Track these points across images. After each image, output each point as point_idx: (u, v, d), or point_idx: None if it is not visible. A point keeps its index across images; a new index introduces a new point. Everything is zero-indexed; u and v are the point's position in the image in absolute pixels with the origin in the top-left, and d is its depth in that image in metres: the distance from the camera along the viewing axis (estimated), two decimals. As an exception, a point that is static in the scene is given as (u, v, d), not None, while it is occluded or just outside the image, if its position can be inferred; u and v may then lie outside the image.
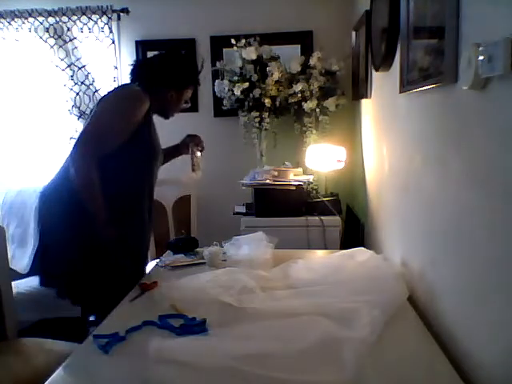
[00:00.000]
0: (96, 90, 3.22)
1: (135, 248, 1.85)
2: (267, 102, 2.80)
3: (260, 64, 2.81)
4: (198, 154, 2.09)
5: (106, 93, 1.91)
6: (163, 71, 1.87)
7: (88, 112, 3.20)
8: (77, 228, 1.70)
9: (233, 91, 2.83)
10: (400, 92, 1.63)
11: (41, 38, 3.17)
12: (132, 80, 1.91)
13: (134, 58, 3.22)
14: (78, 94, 3.20)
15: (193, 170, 2.09)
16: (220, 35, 3.12)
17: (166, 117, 1.99)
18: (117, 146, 1.69)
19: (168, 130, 2.18)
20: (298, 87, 2.76)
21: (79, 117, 3.23)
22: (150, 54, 3.20)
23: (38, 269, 1.90)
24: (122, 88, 1.97)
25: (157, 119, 1.95)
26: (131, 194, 1.80)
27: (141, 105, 1.75)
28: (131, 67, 1.93)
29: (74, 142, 1.69)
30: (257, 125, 2.86)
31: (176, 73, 1.88)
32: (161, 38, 3.19)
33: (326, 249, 2.35)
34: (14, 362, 1.68)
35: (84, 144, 1.65)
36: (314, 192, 2.71)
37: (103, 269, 1.70)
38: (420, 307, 1.41)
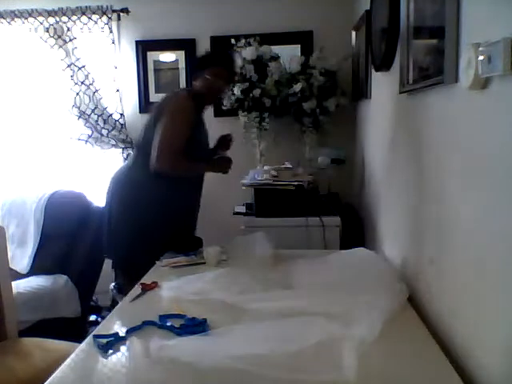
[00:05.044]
0: (96, 90, 3.21)
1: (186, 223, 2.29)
2: (267, 102, 2.80)
3: (260, 64, 2.81)
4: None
5: (165, 98, 2.22)
6: (199, 62, 2.25)
7: (88, 112, 3.21)
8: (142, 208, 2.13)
9: (233, 91, 2.83)
10: (400, 92, 1.63)
11: (41, 38, 3.17)
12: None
13: (134, 58, 3.22)
14: (77, 93, 3.20)
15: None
16: (220, 35, 3.11)
17: (215, 101, 2.42)
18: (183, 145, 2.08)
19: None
20: (298, 87, 2.75)
21: (79, 117, 3.22)
22: (149, 54, 3.21)
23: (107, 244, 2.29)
24: (173, 97, 2.23)
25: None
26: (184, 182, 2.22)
27: (189, 112, 2.12)
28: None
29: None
30: (257, 125, 2.86)
31: (208, 58, 2.25)
32: (161, 38, 3.19)
33: (325, 249, 2.34)
34: (14, 362, 1.68)
35: (162, 154, 2.05)
36: (314, 192, 2.71)
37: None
38: (420, 307, 1.41)
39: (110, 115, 3.23)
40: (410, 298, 1.44)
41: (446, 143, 1.22)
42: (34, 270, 2.74)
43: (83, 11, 3.14)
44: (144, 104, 3.27)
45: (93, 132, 3.25)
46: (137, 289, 1.61)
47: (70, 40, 3.18)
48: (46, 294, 2.54)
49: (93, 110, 3.22)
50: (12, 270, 2.48)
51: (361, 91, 2.63)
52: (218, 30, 3.13)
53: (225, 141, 2.40)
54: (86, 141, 3.24)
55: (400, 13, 1.61)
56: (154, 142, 2.06)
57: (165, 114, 2.09)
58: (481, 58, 0.91)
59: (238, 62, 2.82)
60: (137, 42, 3.23)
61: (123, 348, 1.18)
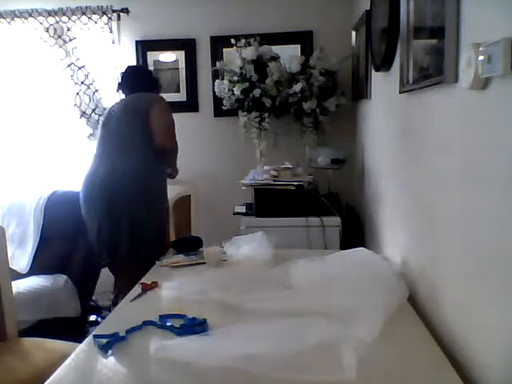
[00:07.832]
0: (96, 90, 3.21)
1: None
2: (267, 102, 2.80)
3: (260, 64, 2.81)
4: None
5: (144, 96, 2.47)
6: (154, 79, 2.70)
7: (88, 112, 3.21)
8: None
9: (233, 91, 2.83)
10: (400, 92, 1.63)
11: (41, 37, 3.17)
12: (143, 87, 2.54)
13: (134, 58, 3.22)
14: (78, 93, 3.20)
15: None
16: (220, 35, 3.12)
17: None
18: None
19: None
20: (298, 87, 2.75)
21: (80, 116, 3.22)
22: (150, 54, 3.21)
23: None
24: (157, 97, 2.51)
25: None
26: None
27: None
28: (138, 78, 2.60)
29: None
30: (257, 125, 2.86)
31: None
32: (161, 38, 3.19)
33: (325, 249, 2.35)
34: (14, 362, 1.68)
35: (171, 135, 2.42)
36: (314, 192, 2.71)
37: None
38: (420, 307, 1.41)
39: (110, 115, 3.23)
40: (410, 298, 1.44)
41: (446, 143, 1.22)
42: (34, 270, 2.73)
43: (83, 11, 3.14)
44: (144, 104, 3.27)
45: (94, 131, 3.24)
46: (137, 289, 1.61)
47: (70, 40, 3.18)
48: (46, 294, 2.54)
49: (93, 110, 3.22)
50: (12, 270, 2.48)
51: (361, 91, 2.64)
52: (217, 30, 3.13)
53: None
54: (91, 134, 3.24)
55: (400, 13, 1.61)
56: (157, 126, 2.33)
57: (157, 107, 2.38)
58: (481, 58, 0.91)
59: (238, 62, 2.83)
60: (137, 42, 3.23)
61: (123, 348, 1.18)
